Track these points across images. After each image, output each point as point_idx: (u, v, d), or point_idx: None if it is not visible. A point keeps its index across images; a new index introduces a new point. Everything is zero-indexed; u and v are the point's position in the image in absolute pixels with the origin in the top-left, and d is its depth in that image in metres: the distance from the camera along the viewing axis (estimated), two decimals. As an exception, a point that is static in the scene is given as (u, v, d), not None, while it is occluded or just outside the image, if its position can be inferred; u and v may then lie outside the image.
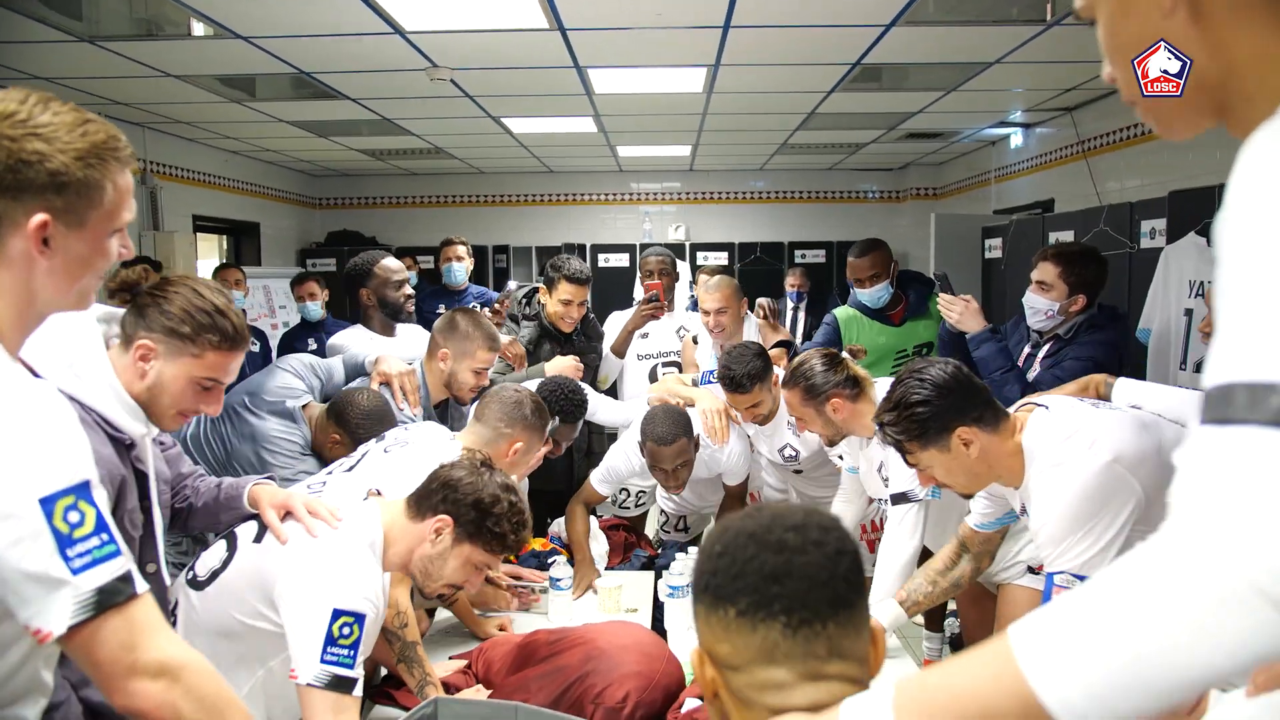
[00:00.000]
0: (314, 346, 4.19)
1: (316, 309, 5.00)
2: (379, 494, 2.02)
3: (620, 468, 3.17)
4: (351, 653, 1.61)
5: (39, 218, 1.06)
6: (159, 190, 6.00)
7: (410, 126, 6.26)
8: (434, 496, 1.83)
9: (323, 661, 1.59)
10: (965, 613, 2.46)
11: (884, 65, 4.59)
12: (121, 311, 1.61)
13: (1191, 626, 0.60)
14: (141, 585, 1.07)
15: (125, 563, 1.06)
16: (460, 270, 4.55)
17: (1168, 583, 0.61)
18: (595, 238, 8.91)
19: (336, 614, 1.61)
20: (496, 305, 3.83)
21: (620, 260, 8.69)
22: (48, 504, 0.99)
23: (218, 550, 1.81)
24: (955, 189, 8.17)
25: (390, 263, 3.35)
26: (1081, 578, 1.72)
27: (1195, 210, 3.59)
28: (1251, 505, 0.59)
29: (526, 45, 4.14)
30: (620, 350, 3.91)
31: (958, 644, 2.65)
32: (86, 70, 4.48)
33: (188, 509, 1.92)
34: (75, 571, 1.00)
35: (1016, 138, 6.63)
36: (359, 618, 1.62)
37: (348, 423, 2.54)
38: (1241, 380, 0.61)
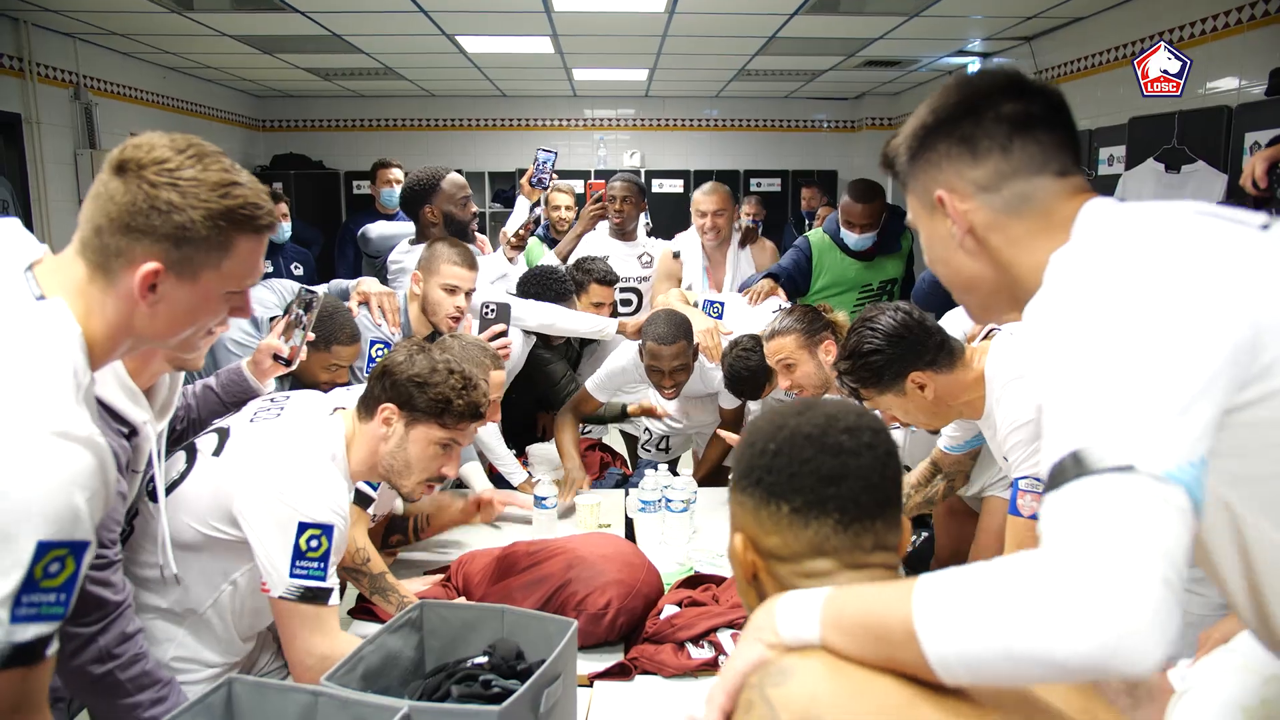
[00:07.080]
0: (270, 270, 4.06)
1: None
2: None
3: (620, 372, 3.16)
4: (321, 565, 1.61)
5: (149, 266, 1.08)
6: (94, 107, 5.72)
7: (360, 44, 6.04)
8: (374, 389, 1.83)
9: (292, 576, 1.59)
10: (943, 527, 2.56)
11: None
12: None
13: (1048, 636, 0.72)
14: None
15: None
16: (398, 194, 4.43)
17: (1037, 599, 0.73)
18: (549, 164, 8.76)
19: (303, 527, 1.60)
20: (521, 231, 3.73)
21: (575, 186, 8.56)
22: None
23: (176, 462, 1.77)
24: (910, 119, 8.17)
25: (457, 178, 3.19)
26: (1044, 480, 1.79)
27: (1154, 136, 3.65)
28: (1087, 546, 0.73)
29: (488, -44, 4.02)
30: (564, 254, 3.88)
31: (913, 560, 2.77)
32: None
33: (187, 425, 1.89)
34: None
35: (974, 67, 6.63)
36: (326, 529, 1.61)
37: None
38: (1065, 453, 0.79)
